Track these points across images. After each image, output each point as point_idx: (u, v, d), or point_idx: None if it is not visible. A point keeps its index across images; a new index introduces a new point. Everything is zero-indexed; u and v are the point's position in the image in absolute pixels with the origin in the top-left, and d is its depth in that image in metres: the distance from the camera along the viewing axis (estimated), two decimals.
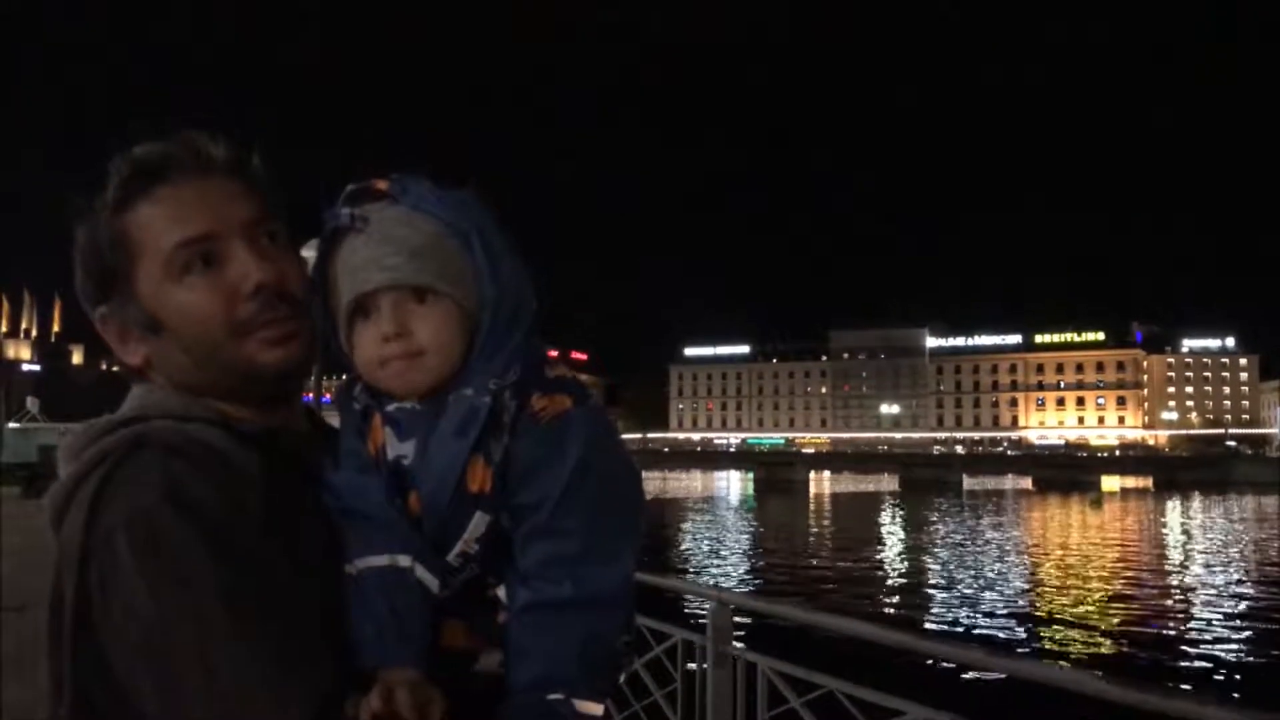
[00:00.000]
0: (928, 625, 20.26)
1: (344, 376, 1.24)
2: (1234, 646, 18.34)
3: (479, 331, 1.15)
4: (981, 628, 20.26)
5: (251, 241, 1.19)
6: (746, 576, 28.15)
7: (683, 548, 34.76)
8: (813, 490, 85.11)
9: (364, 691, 1.02)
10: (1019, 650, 17.61)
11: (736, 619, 4.01)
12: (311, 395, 1.45)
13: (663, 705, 4.24)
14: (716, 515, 52.80)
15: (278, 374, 1.20)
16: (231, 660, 0.98)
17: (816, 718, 3.38)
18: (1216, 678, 15.79)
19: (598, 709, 1.10)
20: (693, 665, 4.07)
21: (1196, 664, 16.88)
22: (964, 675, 12.97)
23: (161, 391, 1.20)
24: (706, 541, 37.53)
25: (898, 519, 52.57)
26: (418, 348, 1.14)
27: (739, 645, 3.83)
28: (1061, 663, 15.24)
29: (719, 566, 29.89)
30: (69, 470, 1.10)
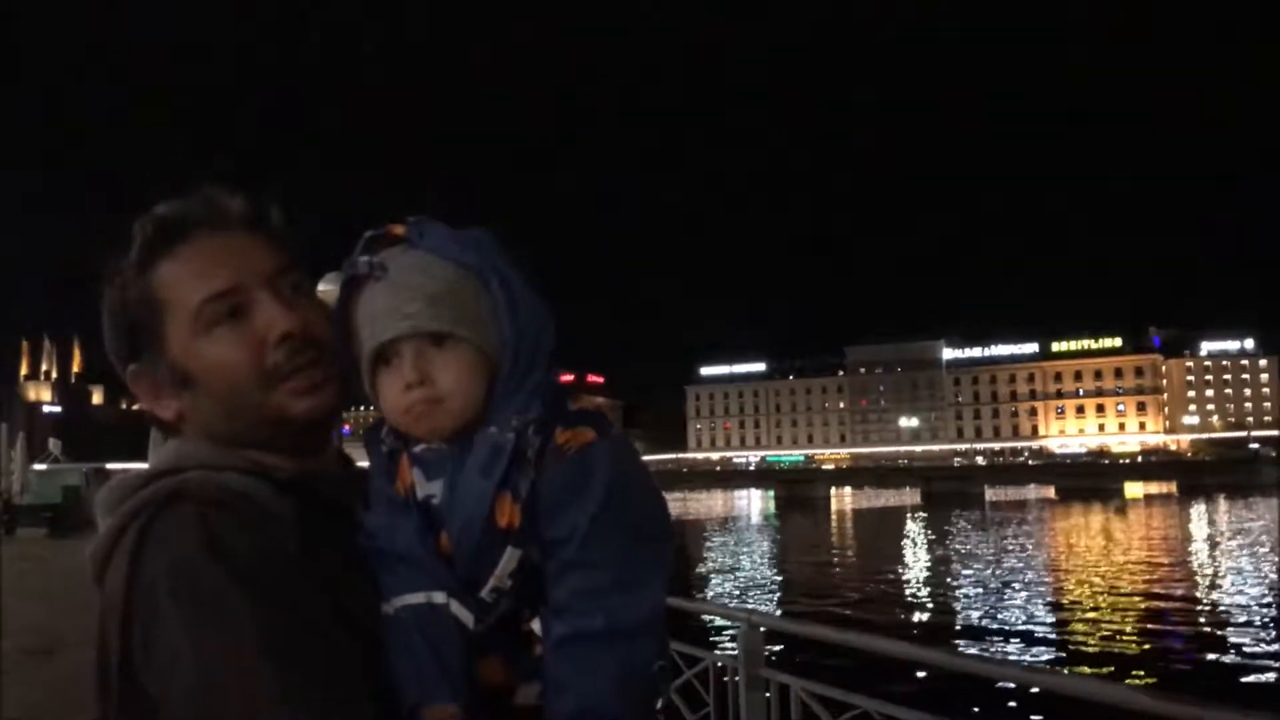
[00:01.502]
0: (958, 640, 20.08)
1: (371, 419, 1.26)
2: (1272, 650, 18.12)
3: (500, 371, 1.17)
4: (1013, 640, 20.09)
5: (275, 292, 1.22)
6: (773, 597, 28.00)
7: (706, 569, 34.63)
8: (834, 506, 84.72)
9: None
10: (1052, 662, 17.46)
11: (778, 644, 4.02)
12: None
13: None
14: (739, 535, 52.60)
15: (309, 422, 1.22)
16: (274, 706, 0.99)
17: None
18: (1255, 683, 15.62)
19: None
20: (726, 687, 4.07)
21: (1236, 672, 16.68)
22: (998, 691, 12.87)
23: (195, 443, 1.22)
24: (730, 562, 37.39)
25: (922, 533, 52.22)
26: (439, 394, 1.16)
27: (771, 667, 3.83)
28: (1096, 675, 15.07)
29: (744, 587, 29.74)
30: (108, 524, 1.13)
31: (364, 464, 1.33)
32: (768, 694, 3.78)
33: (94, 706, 1.13)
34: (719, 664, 4.14)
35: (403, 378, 1.16)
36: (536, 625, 1.16)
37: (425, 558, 1.15)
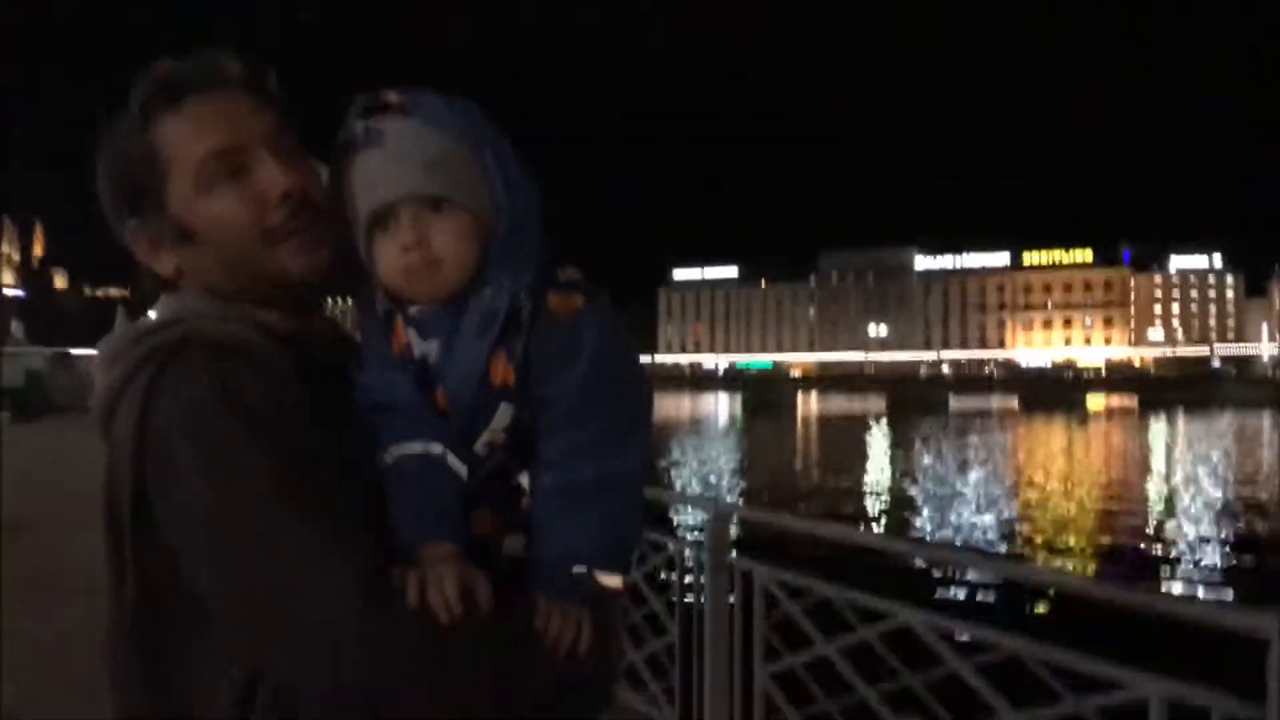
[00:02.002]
0: (917, 535, 20.62)
1: (364, 284, 1.28)
2: (1210, 550, 18.68)
3: (493, 237, 1.21)
4: (969, 536, 20.62)
5: (275, 152, 1.24)
6: (738, 493, 28.44)
7: (673, 468, 35.08)
8: (801, 412, 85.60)
9: (409, 565, 1.09)
10: (1005, 555, 17.93)
11: (736, 532, 4.08)
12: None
13: (661, 615, 4.32)
14: (706, 437, 53.15)
15: (307, 280, 1.26)
16: (285, 537, 1.05)
17: (813, 624, 3.46)
18: (1196, 577, 16.13)
19: (617, 581, 1.22)
20: (690, 576, 4.14)
21: (1178, 565, 17.22)
22: (956, 581, 13.23)
23: (194, 298, 1.26)
24: (697, 462, 37.84)
25: (885, 438, 53.00)
26: (436, 256, 1.19)
27: (736, 553, 3.89)
28: (1048, 565, 15.59)
29: (710, 485, 30.17)
30: (115, 371, 1.16)
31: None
32: (732, 580, 3.86)
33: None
34: (685, 552, 4.21)
35: (401, 240, 1.19)
36: (524, 480, 1.22)
37: (422, 411, 1.19)
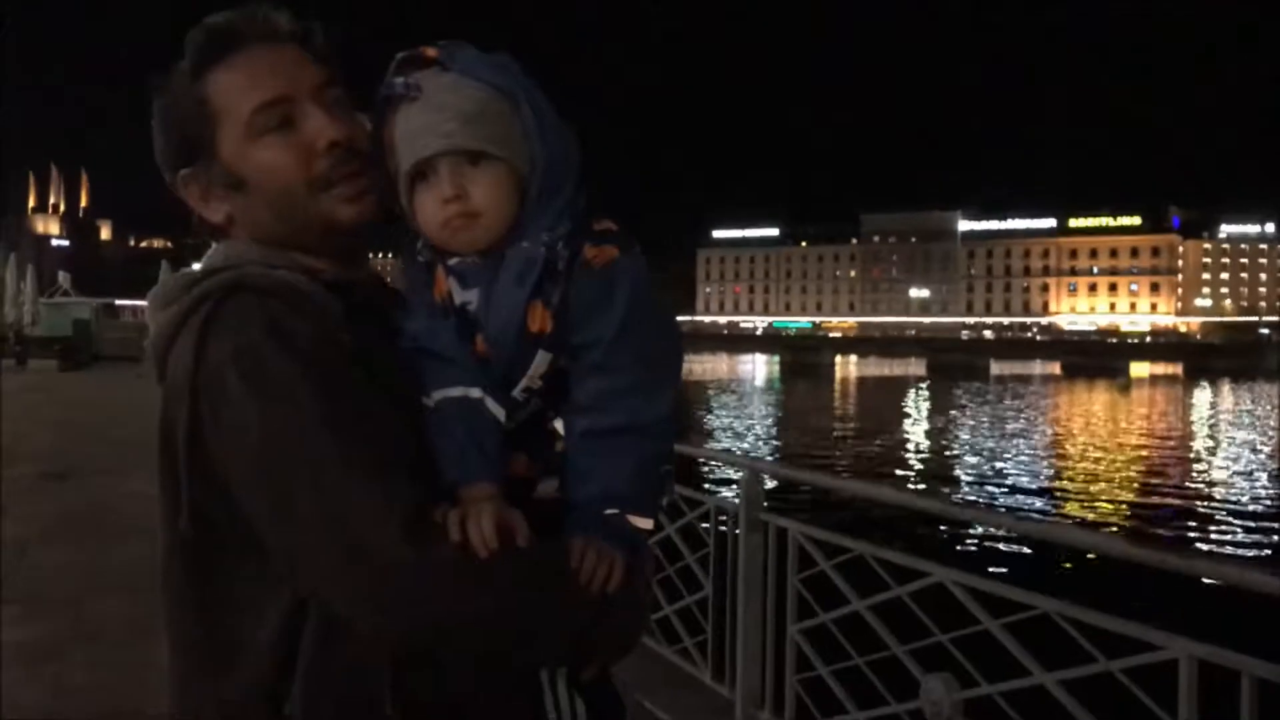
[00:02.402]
0: (952, 498, 20.58)
1: (407, 235, 1.31)
2: (1251, 518, 18.50)
3: (530, 189, 1.24)
4: (1005, 501, 20.55)
5: (322, 103, 1.28)
6: (773, 454, 28.46)
7: (710, 427, 35.13)
8: (839, 374, 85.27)
9: (450, 503, 1.14)
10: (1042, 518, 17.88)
11: (769, 492, 4.11)
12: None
13: (695, 569, 4.37)
14: (743, 397, 53.11)
15: (354, 228, 1.29)
16: (335, 470, 1.09)
17: (845, 580, 3.49)
18: (1235, 544, 16.00)
19: (648, 523, 1.25)
20: (725, 530, 4.18)
21: (1216, 532, 17.08)
22: (988, 541, 13.20)
23: (245, 245, 1.30)
24: (733, 421, 37.87)
25: (923, 402, 52.68)
26: (475, 209, 1.22)
27: (769, 511, 3.92)
28: (1080, 524, 15.51)
29: (747, 444, 30.21)
30: (169, 311, 1.21)
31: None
32: (766, 537, 3.89)
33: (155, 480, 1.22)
34: (720, 507, 4.25)
35: (440, 192, 1.22)
36: (559, 425, 1.26)
37: (463, 357, 1.23)
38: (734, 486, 4.43)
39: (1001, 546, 13.05)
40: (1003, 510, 17.67)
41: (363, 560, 1.06)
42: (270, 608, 1.15)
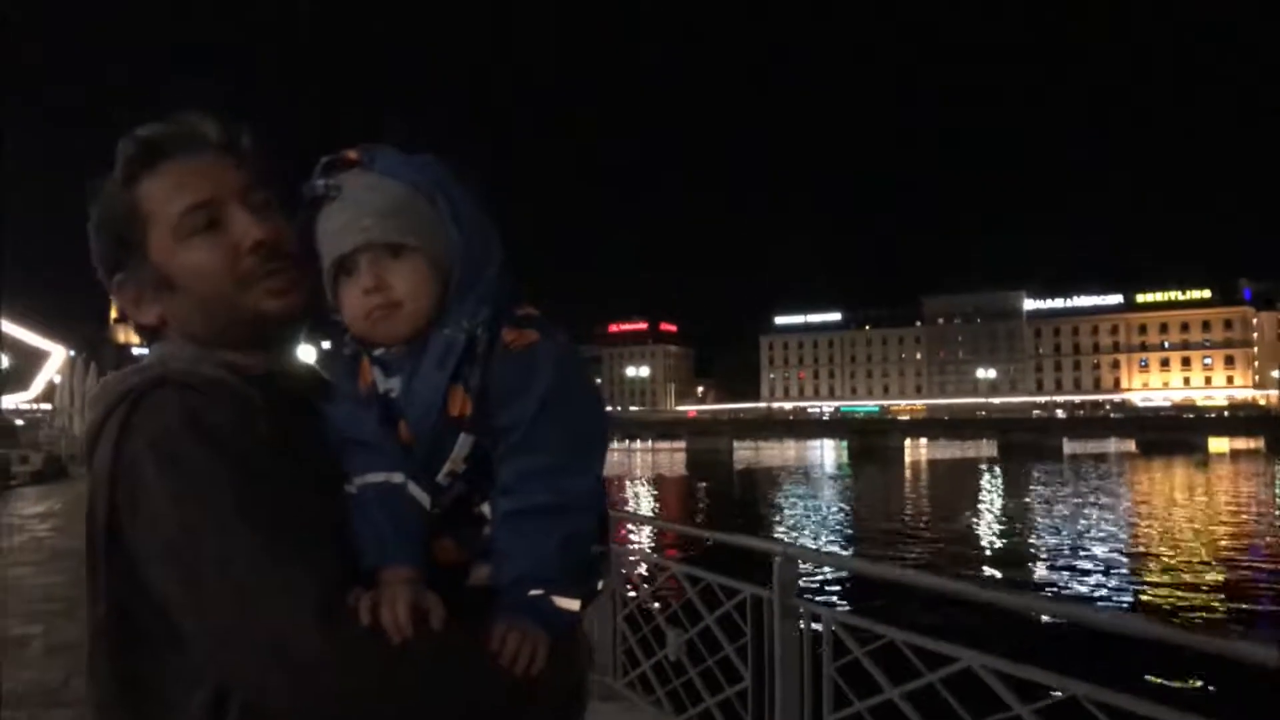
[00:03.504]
0: (1031, 587, 19.90)
1: (333, 330, 1.36)
2: None
3: (452, 280, 1.28)
4: (1078, 586, 19.90)
5: (247, 205, 1.33)
6: (841, 542, 28.00)
7: (777, 515, 34.76)
8: (909, 457, 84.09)
9: (366, 587, 1.16)
10: (1110, 605, 17.25)
11: (828, 583, 4.06)
12: None
13: (733, 659, 4.32)
14: (811, 483, 52.56)
15: (281, 320, 1.34)
16: (246, 557, 1.11)
17: (880, 667, 3.42)
18: None
19: (574, 605, 1.26)
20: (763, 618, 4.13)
21: None
22: (1036, 627, 12.75)
23: (176, 345, 1.35)
24: (801, 508, 37.43)
25: (995, 484, 51.71)
26: (396, 299, 1.27)
27: (805, 599, 3.87)
28: (1127, 611, 14.85)
29: (813, 532, 29.79)
30: (97, 409, 1.26)
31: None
32: (801, 624, 3.84)
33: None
34: (755, 595, 4.21)
35: (361, 285, 1.27)
36: (487, 508, 1.27)
37: (386, 444, 1.26)
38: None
39: (1046, 630, 12.53)
40: (1041, 593, 17.17)
41: (273, 644, 1.08)
42: (191, 699, 1.16)
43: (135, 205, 1.32)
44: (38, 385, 66.45)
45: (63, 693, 5.83)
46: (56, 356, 61.69)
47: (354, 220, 1.26)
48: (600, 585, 1.34)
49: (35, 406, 63.08)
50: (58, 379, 52.29)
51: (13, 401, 63.23)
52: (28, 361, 65.49)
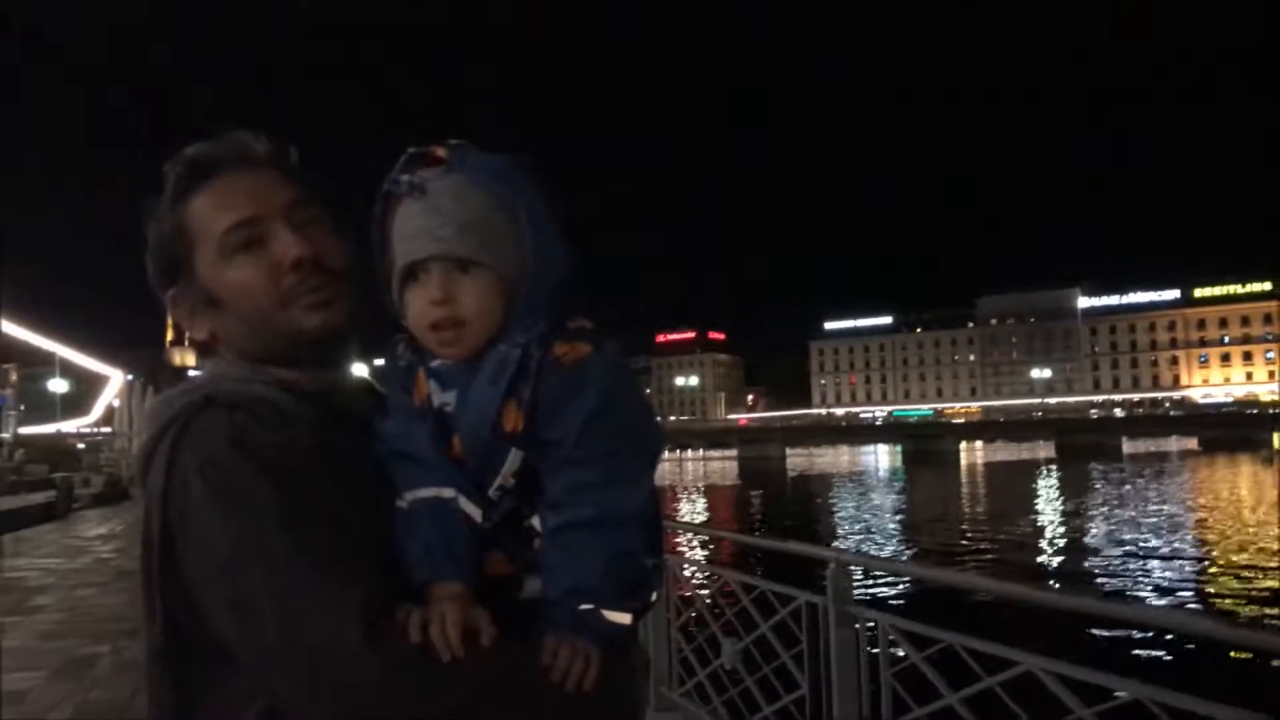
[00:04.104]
0: (1089, 586, 19.59)
1: (389, 339, 1.37)
2: None
3: (517, 298, 1.28)
4: (1141, 588, 19.56)
5: (289, 223, 1.34)
6: (898, 547, 27.74)
7: (832, 520, 34.54)
8: (964, 460, 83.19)
9: (415, 603, 1.16)
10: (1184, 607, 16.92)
11: (884, 589, 4.02)
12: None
13: (790, 666, 4.29)
14: (866, 489, 52.15)
15: (320, 335, 1.35)
16: (292, 577, 1.13)
17: (937, 672, 3.39)
18: None
19: (625, 619, 1.24)
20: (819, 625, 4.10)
21: None
22: (1092, 629, 12.54)
23: (227, 362, 1.37)
24: (856, 513, 37.15)
25: (1052, 485, 50.98)
26: (461, 316, 1.26)
27: (860, 604, 3.85)
28: (1170, 606, 14.55)
29: (868, 538, 29.55)
30: (149, 431, 1.28)
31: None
32: (857, 628, 3.81)
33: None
34: (810, 602, 4.18)
35: (429, 294, 1.26)
36: (537, 522, 1.26)
37: (437, 459, 1.26)
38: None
39: (1103, 632, 12.34)
40: (1089, 593, 16.88)
41: (321, 664, 1.09)
42: (245, 717, 1.17)
43: (183, 224, 1.34)
44: (98, 409, 67.72)
45: (130, 709, 5.94)
46: (115, 380, 62.81)
47: (433, 228, 1.25)
48: (653, 597, 1.31)
49: (95, 430, 64.27)
50: (116, 403, 53.30)
51: (74, 426, 64.58)
52: (88, 386, 66.86)
